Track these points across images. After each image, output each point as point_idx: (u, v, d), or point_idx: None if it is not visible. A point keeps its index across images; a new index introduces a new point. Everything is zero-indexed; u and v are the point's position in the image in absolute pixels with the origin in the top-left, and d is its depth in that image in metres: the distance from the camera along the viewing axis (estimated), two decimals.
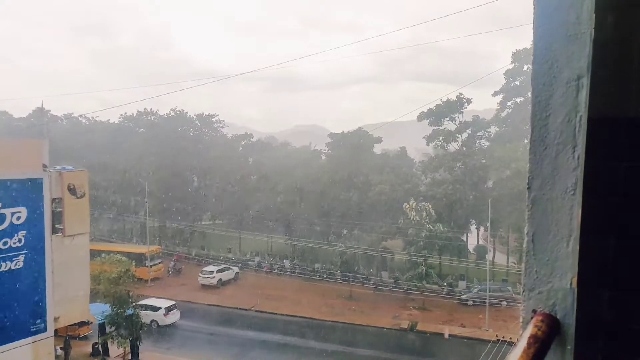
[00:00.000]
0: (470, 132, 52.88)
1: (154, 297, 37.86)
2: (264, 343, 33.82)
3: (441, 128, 52.74)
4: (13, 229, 17.52)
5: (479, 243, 54.57)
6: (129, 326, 27.77)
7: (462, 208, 47.87)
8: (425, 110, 51.86)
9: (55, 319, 19.26)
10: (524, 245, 1.51)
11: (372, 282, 44.87)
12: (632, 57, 1.29)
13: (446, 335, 34.88)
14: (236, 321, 37.65)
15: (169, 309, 35.58)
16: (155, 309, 34.63)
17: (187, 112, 70.83)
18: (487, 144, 53.88)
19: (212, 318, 38.15)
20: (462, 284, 43.90)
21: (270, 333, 35.42)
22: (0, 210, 17.17)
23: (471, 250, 52.14)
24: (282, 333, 35.44)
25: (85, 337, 31.31)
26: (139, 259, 43.92)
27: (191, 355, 31.07)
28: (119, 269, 28.10)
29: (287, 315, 38.77)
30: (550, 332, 1.37)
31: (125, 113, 73.78)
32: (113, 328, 27.92)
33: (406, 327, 36.78)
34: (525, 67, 50.34)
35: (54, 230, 19.31)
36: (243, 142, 72.97)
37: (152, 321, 33.30)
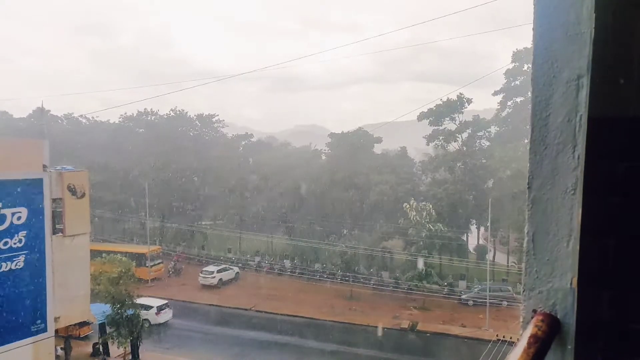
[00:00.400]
0: (470, 132, 52.85)
1: (146, 296, 37.75)
2: (264, 343, 33.81)
3: (441, 128, 52.69)
4: (13, 229, 17.52)
5: (479, 243, 54.54)
6: (129, 326, 27.79)
7: (462, 208, 47.87)
8: (426, 110, 51.88)
9: (56, 319, 19.26)
10: (524, 245, 1.51)
11: (372, 282, 44.85)
12: (632, 57, 1.29)
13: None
14: (236, 321, 37.65)
15: (160, 308, 35.60)
16: (147, 307, 34.58)
17: (187, 112, 70.97)
18: (488, 143, 53.86)
19: (210, 318, 38.15)
20: (462, 284, 43.87)
21: (270, 333, 35.42)
22: (1, 210, 17.18)
23: (471, 250, 52.13)
24: (282, 333, 35.45)
25: (86, 337, 31.29)
26: (139, 259, 43.95)
27: (190, 355, 31.06)
28: (119, 269, 28.11)
29: (288, 315, 38.77)
30: (550, 331, 1.37)
31: (126, 113, 73.84)
32: (113, 328, 27.93)
33: (406, 327, 36.78)
34: (526, 67, 50.33)
35: (55, 231, 19.30)
36: (243, 142, 73.00)
37: (143, 320, 33.35)
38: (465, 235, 51.30)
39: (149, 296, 37.77)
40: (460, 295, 42.05)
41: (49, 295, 18.66)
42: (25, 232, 17.82)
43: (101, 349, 29.80)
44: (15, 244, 17.58)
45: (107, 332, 28.58)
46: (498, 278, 44.58)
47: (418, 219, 43.11)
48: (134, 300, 28.75)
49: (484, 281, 41.48)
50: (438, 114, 51.55)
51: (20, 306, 17.93)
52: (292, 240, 52.22)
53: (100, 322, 28.47)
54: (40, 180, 18.29)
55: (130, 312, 27.96)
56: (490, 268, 42.24)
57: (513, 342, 25.36)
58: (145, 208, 51.28)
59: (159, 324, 35.25)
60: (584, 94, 1.38)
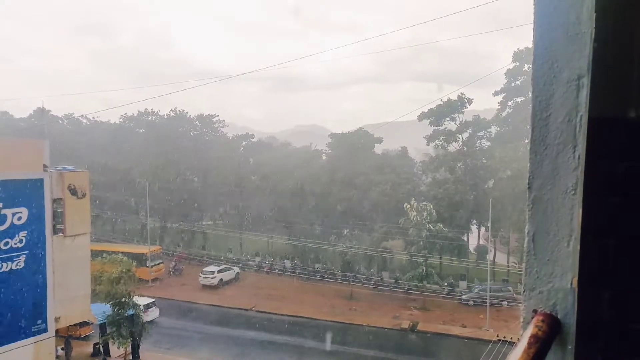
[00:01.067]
0: (470, 132, 52.84)
1: (142, 296, 37.71)
2: (264, 343, 33.81)
3: (442, 128, 52.69)
4: (14, 230, 17.53)
5: (480, 243, 54.50)
6: (129, 326, 27.80)
7: (462, 208, 47.84)
8: (426, 110, 51.88)
9: (56, 319, 19.26)
10: (525, 245, 1.51)
11: (372, 282, 44.84)
12: (632, 57, 1.29)
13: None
14: (236, 321, 37.65)
15: (147, 306, 35.62)
16: None
17: (187, 113, 71.01)
18: (488, 143, 53.82)
19: (210, 318, 38.14)
20: (462, 284, 43.87)
21: (270, 333, 35.41)
22: (1, 210, 17.18)
23: (472, 250, 52.10)
24: (282, 333, 35.44)
25: (86, 338, 31.34)
26: (140, 259, 43.90)
27: (190, 355, 31.06)
28: (119, 269, 28.10)
29: (288, 315, 38.76)
30: (550, 332, 1.37)
31: (126, 113, 73.87)
32: (114, 328, 27.94)
33: (407, 327, 36.77)
34: (526, 67, 50.26)
35: (55, 231, 19.29)
36: (244, 142, 73.02)
37: None
38: (465, 235, 51.27)
39: (145, 296, 37.81)
40: (460, 296, 42.04)
41: (49, 295, 18.67)
42: (25, 232, 17.83)
43: (102, 349, 29.82)
44: (15, 244, 17.59)
45: (108, 332, 28.60)
46: (498, 278, 44.55)
47: (418, 219, 43.06)
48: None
49: (484, 281, 41.47)
50: (438, 114, 51.53)
51: (20, 306, 17.94)
52: (292, 241, 52.21)
53: (101, 322, 28.49)
54: (41, 181, 18.30)
55: (130, 312, 27.97)
56: (491, 268, 42.23)
57: (513, 343, 25.33)
58: (146, 208, 51.30)
59: (146, 322, 35.20)
60: (584, 94, 1.38)
